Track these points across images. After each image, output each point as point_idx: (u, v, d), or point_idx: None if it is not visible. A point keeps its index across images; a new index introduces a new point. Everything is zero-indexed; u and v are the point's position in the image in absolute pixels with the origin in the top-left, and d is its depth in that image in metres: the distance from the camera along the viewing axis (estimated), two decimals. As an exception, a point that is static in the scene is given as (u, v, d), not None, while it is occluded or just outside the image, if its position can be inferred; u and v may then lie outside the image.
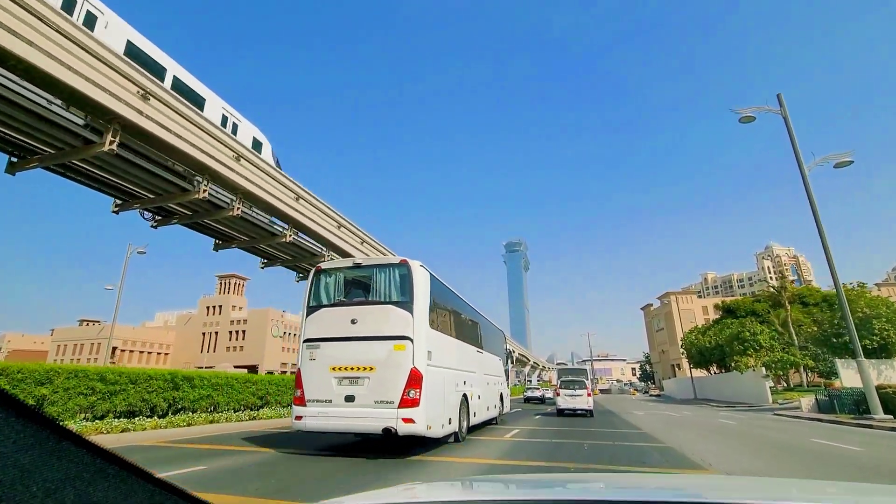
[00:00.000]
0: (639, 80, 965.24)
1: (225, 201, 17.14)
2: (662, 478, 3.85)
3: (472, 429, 11.38)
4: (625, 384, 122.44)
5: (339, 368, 7.88)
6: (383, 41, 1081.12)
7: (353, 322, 8.09)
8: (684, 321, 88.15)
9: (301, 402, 7.92)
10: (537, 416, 19.41)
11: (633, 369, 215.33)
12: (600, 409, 25.79)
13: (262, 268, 23.71)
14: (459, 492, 1.77)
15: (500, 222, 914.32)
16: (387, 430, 7.43)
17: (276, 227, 19.88)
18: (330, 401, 7.78)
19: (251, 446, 9.17)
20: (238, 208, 17.08)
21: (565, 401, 19.79)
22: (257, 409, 18.10)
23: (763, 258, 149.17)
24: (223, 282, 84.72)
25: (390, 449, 8.41)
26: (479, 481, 2.65)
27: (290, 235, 19.95)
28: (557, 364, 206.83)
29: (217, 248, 20.87)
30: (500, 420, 15.27)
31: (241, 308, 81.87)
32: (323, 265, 9.09)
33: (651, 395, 76.09)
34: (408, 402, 7.47)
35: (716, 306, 61.35)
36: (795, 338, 37.85)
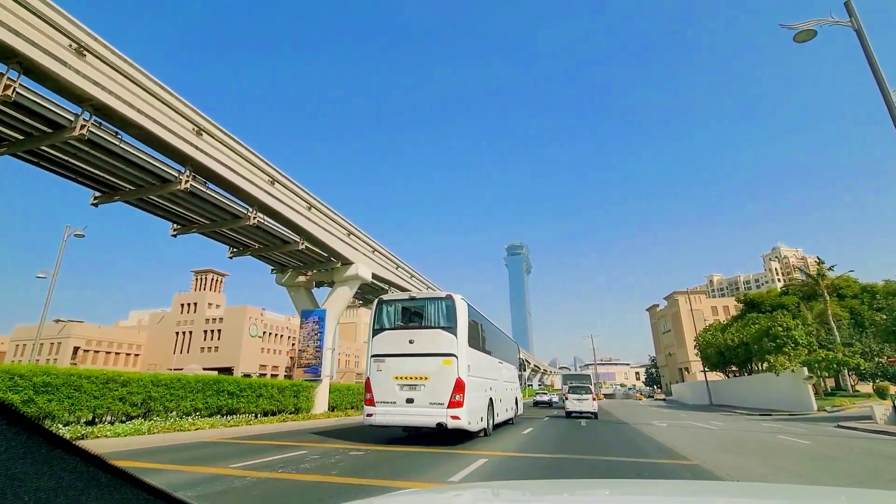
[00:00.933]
0: (642, 85, 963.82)
1: (67, 118, 11.76)
2: (681, 484, 3.45)
3: (496, 427, 12.87)
4: (629, 388, 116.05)
5: (401, 377, 10.11)
6: (385, 47, 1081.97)
7: (410, 342, 10.39)
8: (693, 322, 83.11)
9: (371, 403, 10.15)
10: (528, 432, 14.13)
11: (637, 373, 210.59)
12: (611, 420, 20.53)
13: (174, 235, 18.35)
14: (466, 499, 1.72)
15: (501, 224, 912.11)
16: (439, 425, 9.61)
17: (163, 168, 14.46)
18: (394, 402, 9.98)
19: None
20: (85, 127, 11.70)
21: (573, 404, 21.02)
22: (130, 420, 12.71)
23: (770, 259, 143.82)
24: (199, 277, 78.95)
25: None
26: (491, 488, 2.55)
27: (187, 181, 14.54)
28: (560, 368, 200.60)
29: (96, 201, 15.52)
30: (514, 421, 16.79)
31: (218, 306, 76.01)
32: (385, 297, 11.52)
33: (656, 400, 70.64)
34: (454, 403, 9.68)
35: (737, 299, 55.33)
36: (837, 333, 32.30)
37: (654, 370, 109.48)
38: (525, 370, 36.63)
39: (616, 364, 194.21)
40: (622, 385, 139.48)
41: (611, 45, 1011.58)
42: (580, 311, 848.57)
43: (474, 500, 1.86)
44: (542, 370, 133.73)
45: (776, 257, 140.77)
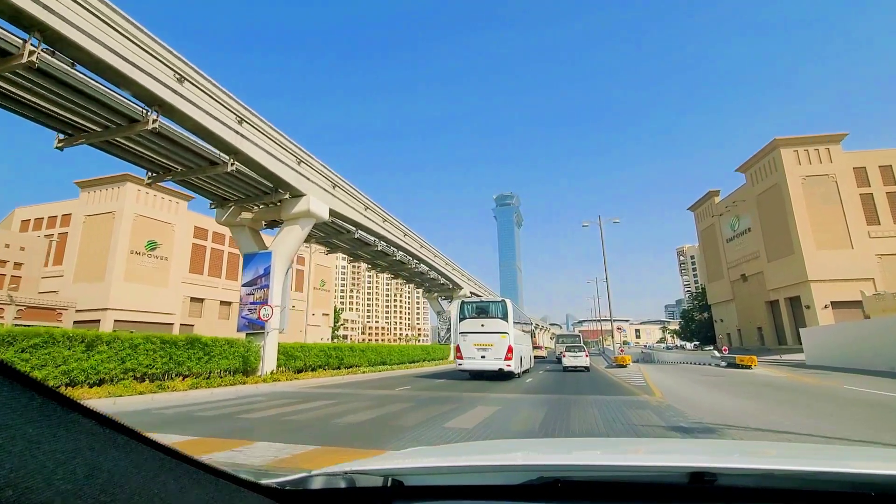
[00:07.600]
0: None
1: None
2: (687, 443, 3.77)
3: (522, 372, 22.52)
4: (645, 346, 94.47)
5: (478, 344, 19.16)
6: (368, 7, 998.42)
7: (482, 325, 19.48)
8: (813, 199, 43.65)
9: (461, 357, 19.49)
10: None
11: (637, 331, 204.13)
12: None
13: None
14: (461, 457, 1.78)
15: (491, 173, 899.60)
16: (500, 370, 18.53)
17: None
18: (474, 358, 19.15)
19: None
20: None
21: (569, 360, 26.74)
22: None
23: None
24: None
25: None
26: (487, 447, 2.66)
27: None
28: (552, 325, 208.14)
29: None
30: (530, 370, 26.19)
31: None
32: (464, 300, 22.10)
33: (709, 362, 36.59)
34: (507, 358, 18.59)
35: None
36: None
37: (693, 313, 74.12)
38: (535, 336, 43.64)
39: (615, 321, 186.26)
40: (625, 342, 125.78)
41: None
42: (572, 268, 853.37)
43: (486, 449, 2.18)
44: (534, 325, 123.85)
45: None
